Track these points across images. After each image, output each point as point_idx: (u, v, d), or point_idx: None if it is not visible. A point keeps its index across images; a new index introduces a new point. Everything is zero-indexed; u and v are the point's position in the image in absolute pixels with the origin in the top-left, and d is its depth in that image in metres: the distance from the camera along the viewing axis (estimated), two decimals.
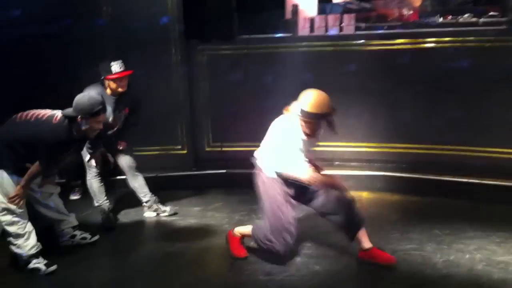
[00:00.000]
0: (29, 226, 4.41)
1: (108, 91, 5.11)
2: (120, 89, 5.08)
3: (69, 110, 4.23)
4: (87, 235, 4.97)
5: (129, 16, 6.47)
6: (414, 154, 6.43)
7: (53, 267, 4.44)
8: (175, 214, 5.65)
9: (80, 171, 6.13)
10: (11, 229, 4.36)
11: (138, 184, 5.59)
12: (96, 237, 4.98)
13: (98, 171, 5.34)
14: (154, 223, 5.46)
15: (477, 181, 5.89)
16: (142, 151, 6.11)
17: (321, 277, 4.24)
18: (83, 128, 4.20)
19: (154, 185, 6.36)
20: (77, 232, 4.94)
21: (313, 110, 4.13)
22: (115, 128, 5.31)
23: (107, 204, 5.46)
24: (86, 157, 5.18)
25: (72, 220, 4.94)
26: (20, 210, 4.33)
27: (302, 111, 4.16)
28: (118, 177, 6.01)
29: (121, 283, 4.31)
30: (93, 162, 5.13)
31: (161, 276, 4.36)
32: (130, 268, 4.60)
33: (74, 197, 6.22)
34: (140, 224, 5.46)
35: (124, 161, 5.49)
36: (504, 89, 6.04)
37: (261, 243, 4.39)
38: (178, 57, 6.76)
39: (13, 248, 4.42)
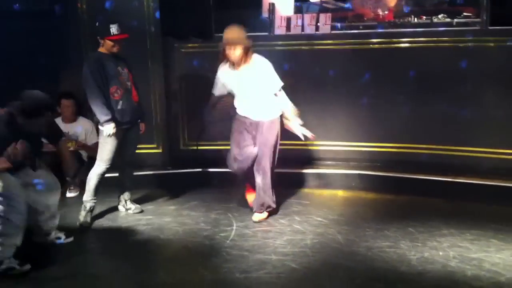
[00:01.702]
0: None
1: (104, 50, 5.23)
2: (115, 49, 5.21)
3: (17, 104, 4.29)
4: (62, 235, 4.89)
5: (105, 13, 6.40)
6: (389, 153, 6.49)
7: (27, 266, 4.36)
8: (141, 212, 5.63)
9: (78, 169, 6.11)
10: None
11: (128, 179, 5.60)
12: (70, 239, 4.90)
13: (106, 170, 5.31)
14: (129, 222, 5.40)
15: (451, 179, 5.97)
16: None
17: (298, 274, 4.24)
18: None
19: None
20: (53, 232, 4.87)
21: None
22: (130, 88, 5.36)
23: (93, 203, 5.38)
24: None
25: (56, 221, 4.88)
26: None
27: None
28: None
29: (94, 283, 4.25)
30: None
31: (137, 275, 4.31)
32: (105, 267, 4.55)
33: (71, 194, 6.16)
34: (115, 223, 5.40)
35: (130, 152, 5.49)
36: (479, 89, 6.13)
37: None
38: (154, 54, 6.73)
39: None
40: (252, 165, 5.32)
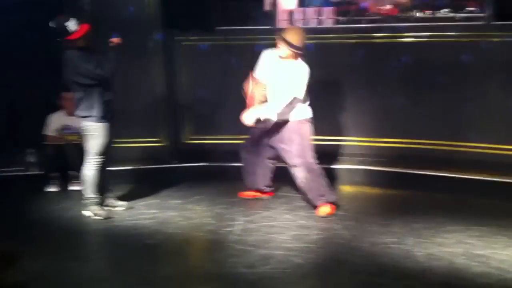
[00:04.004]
0: None
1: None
2: (90, 43, 5.07)
3: None
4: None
5: (108, 6, 6.37)
6: (395, 148, 6.49)
7: None
8: (132, 208, 5.55)
9: (59, 163, 6.08)
10: None
11: (106, 176, 5.45)
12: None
13: (101, 163, 5.23)
14: (134, 216, 5.38)
15: (457, 175, 5.97)
16: (120, 144, 6.01)
17: (303, 270, 4.22)
18: None
19: (132, 178, 6.33)
20: None
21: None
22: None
23: (98, 197, 5.31)
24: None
25: None
26: None
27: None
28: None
29: (101, 276, 4.24)
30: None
31: (141, 269, 4.29)
32: (110, 260, 4.55)
33: (51, 189, 6.12)
34: (120, 216, 5.38)
35: (111, 148, 5.37)
36: (483, 84, 6.12)
37: None
38: (156, 47, 6.70)
39: None
40: (259, 162, 5.53)
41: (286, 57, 5.25)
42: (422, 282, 3.99)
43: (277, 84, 5.28)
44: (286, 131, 5.32)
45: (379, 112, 6.49)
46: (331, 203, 5.33)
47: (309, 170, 5.28)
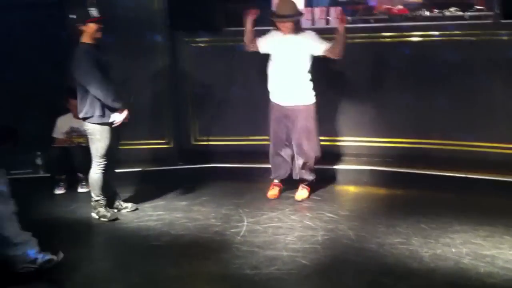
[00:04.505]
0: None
1: (87, 39, 5.04)
2: (98, 35, 5.06)
3: None
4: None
5: (113, 6, 6.38)
6: (401, 148, 6.45)
7: (61, 254, 4.32)
8: (137, 209, 5.56)
9: (65, 165, 6.11)
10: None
11: (113, 178, 5.48)
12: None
13: (106, 165, 5.24)
14: (140, 217, 5.40)
15: (463, 175, 5.92)
16: (126, 145, 6.03)
17: (308, 271, 4.22)
18: None
19: (139, 180, 6.35)
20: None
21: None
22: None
23: (104, 199, 5.33)
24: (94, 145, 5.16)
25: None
26: None
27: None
28: None
29: (107, 277, 4.26)
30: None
31: (148, 270, 4.32)
32: (117, 261, 4.56)
33: (59, 191, 6.16)
34: (126, 218, 5.40)
35: (116, 147, 5.37)
36: (491, 84, 6.07)
37: None
38: (163, 48, 6.71)
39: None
40: (285, 153, 5.64)
41: (291, 32, 5.33)
42: (428, 283, 4.00)
43: (288, 57, 5.39)
44: (301, 118, 5.44)
45: (385, 112, 6.46)
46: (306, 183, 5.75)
47: (307, 158, 5.56)
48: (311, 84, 5.52)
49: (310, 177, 5.73)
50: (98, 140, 5.15)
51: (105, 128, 5.13)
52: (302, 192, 5.75)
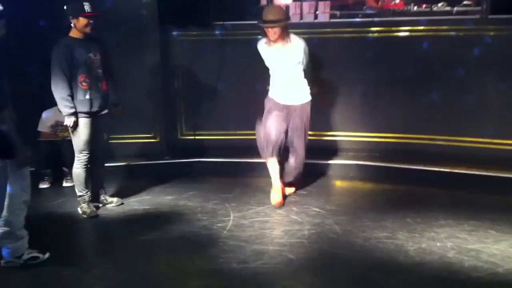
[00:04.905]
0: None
1: (75, 33, 5.03)
2: (88, 30, 5.02)
3: None
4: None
5: (104, 1, 6.34)
6: (388, 143, 6.48)
7: (47, 254, 4.31)
8: (122, 204, 5.54)
9: (50, 159, 6.07)
10: None
11: (102, 171, 5.46)
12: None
13: (87, 160, 5.19)
14: (126, 212, 5.39)
15: (449, 170, 5.96)
16: (113, 139, 6.01)
17: (295, 265, 4.23)
18: None
19: (125, 174, 6.32)
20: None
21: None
22: (101, 75, 5.15)
23: (89, 194, 5.32)
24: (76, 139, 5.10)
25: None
26: None
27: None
28: None
29: (95, 273, 4.24)
30: None
31: (134, 265, 4.31)
32: (104, 258, 4.54)
33: (43, 185, 6.12)
34: (111, 213, 5.38)
35: (101, 140, 5.33)
36: (479, 78, 6.10)
37: None
38: (151, 43, 6.68)
39: None
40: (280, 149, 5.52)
41: (278, 41, 5.21)
42: (414, 276, 4.02)
43: (282, 67, 5.32)
44: (302, 114, 5.39)
45: (373, 107, 6.48)
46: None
47: (298, 157, 5.51)
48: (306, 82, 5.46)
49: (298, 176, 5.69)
50: (77, 134, 5.10)
51: (82, 121, 5.08)
52: (290, 189, 5.75)
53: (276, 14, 5.15)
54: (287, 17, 5.30)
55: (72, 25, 5.03)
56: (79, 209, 5.30)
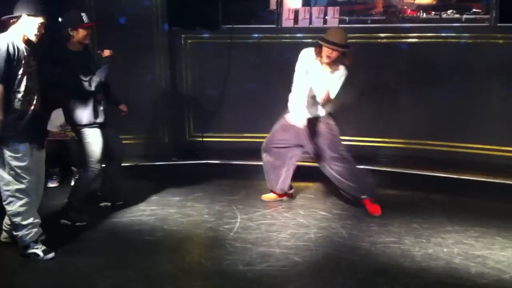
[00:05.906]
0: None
1: (73, 46, 4.96)
2: (87, 40, 5.00)
3: None
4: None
5: (112, 2, 6.39)
6: (395, 148, 6.49)
7: (51, 254, 4.35)
8: (125, 203, 5.53)
9: (60, 159, 6.09)
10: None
11: (116, 173, 5.48)
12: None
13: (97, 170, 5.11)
14: (133, 212, 5.40)
15: (456, 176, 5.97)
16: (122, 140, 6.02)
17: (301, 267, 4.23)
18: None
19: (133, 175, 6.34)
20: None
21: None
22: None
23: (80, 203, 5.22)
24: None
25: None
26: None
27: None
28: None
29: (100, 272, 4.25)
30: None
31: (141, 265, 4.31)
32: (109, 256, 4.55)
33: (52, 184, 6.14)
34: (118, 213, 5.39)
35: (120, 146, 5.35)
36: (487, 86, 6.11)
37: None
38: (161, 45, 6.72)
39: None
40: (281, 164, 5.40)
41: (328, 63, 5.02)
42: (420, 282, 4.01)
43: (317, 87, 5.08)
44: (317, 127, 5.25)
45: (380, 112, 6.48)
46: (374, 199, 5.29)
47: (345, 161, 5.26)
48: None
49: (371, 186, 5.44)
50: (87, 144, 5.04)
51: (92, 131, 5.03)
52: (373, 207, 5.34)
53: (343, 39, 4.96)
54: (348, 45, 5.05)
55: (71, 34, 4.92)
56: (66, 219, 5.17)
